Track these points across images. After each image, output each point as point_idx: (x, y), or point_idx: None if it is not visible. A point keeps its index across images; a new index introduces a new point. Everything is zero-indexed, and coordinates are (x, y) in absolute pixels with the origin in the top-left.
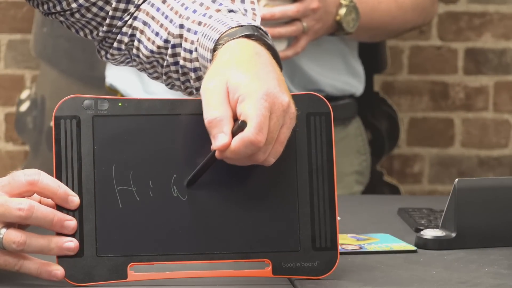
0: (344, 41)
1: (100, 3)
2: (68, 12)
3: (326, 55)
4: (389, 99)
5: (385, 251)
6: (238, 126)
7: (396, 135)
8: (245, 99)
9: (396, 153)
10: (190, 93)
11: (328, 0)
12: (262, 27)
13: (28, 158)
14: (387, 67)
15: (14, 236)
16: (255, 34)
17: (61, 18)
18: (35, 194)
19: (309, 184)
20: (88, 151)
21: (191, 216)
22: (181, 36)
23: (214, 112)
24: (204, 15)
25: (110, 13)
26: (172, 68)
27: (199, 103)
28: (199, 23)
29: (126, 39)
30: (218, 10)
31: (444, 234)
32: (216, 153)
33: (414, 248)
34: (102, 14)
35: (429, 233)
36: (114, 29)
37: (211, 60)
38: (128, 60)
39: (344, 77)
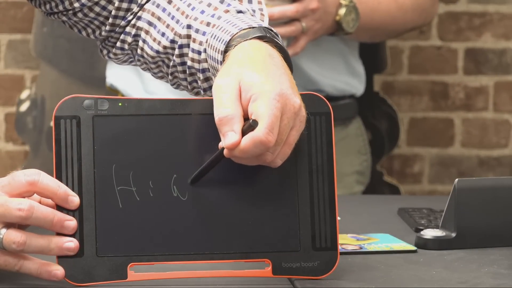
0: (344, 41)
1: (102, 3)
2: (70, 12)
3: (326, 55)
4: (389, 99)
5: (385, 251)
6: (249, 125)
7: (396, 135)
8: (257, 99)
9: (396, 153)
10: (197, 93)
11: (327, 0)
12: (272, 28)
13: (28, 158)
14: (387, 67)
15: (14, 236)
16: (267, 36)
17: (64, 18)
18: (35, 194)
19: (309, 184)
20: (88, 151)
21: (191, 216)
22: (188, 36)
23: (225, 110)
24: (212, 16)
25: (113, 12)
26: (179, 68)
27: (199, 103)
28: (208, 24)
29: (129, 39)
30: (227, 11)
31: (444, 234)
32: (225, 151)
33: (414, 248)
34: (105, 13)
35: (429, 233)
36: (117, 28)
37: (222, 62)
38: (131, 59)
39: (344, 77)
